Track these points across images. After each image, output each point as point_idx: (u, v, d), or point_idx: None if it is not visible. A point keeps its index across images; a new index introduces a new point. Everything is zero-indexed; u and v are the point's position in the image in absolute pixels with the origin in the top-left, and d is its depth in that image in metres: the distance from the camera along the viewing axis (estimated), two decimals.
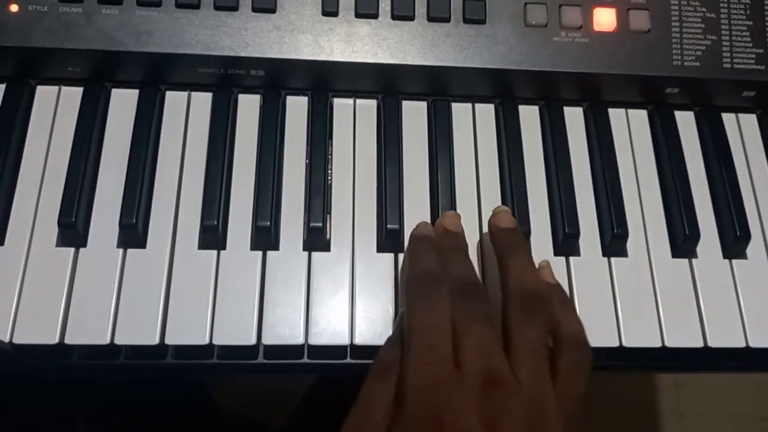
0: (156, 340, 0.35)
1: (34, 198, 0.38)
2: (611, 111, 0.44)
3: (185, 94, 0.42)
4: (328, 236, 0.39)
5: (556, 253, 0.40)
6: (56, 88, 0.41)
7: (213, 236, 0.38)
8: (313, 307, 0.37)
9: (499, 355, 0.30)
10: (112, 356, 0.37)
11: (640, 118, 0.45)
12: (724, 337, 0.39)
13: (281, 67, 0.40)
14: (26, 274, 0.37)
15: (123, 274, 0.37)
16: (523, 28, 0.41)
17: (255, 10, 0.40)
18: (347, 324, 0.37)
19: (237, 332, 0.36)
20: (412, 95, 0.43)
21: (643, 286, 0.40)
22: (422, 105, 0.43)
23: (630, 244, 0.41)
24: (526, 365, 0.30)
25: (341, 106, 0.43)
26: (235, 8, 0.40)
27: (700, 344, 0.39)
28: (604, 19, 0.42)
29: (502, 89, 0.43)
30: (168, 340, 0.36)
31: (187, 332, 0.36)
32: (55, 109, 0.41)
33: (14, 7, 0.38)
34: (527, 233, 0.40)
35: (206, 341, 0.36)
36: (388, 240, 0.39)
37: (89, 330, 0.35)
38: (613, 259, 0.40)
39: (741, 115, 0.45)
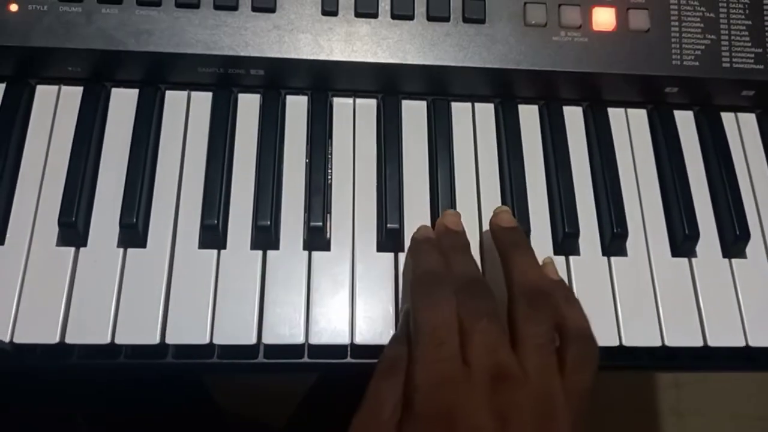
0: (156, 340, 0.35)
1: (35, 198, 0.38)
2: (611, 110, 0.44)
3: (185, 93, 0.42)
4: (328, 236, 0.39)
5: (556, 253, 0.40)
6: (56, 87, 0.41)
7: (213, 236, 0.38)
8: (313, 307, 0.37)
9: (507, 351, 0.31)
10: (112, 356, 0.37)
11: (639, 117, 0.45)
12: (724, 336, 0.39)
13: (281, 66, 0.40)
14: (26, 273, 0.37)
15: (123, 273, 0.37)
16: (523, 27, 0.41)
17: (255, 9, 0.40)
18: (347, 323, 0.37)
19: (237, 331, 0.36)
20: (412, 95, 0.43)
21: (642, 286, 0.40)
22: (422, 104, 0.44)
23: (630, 244, 0.41)
24: (534, 360, 0.30)
25: (341, 105, 0.43)
26: (234, 8, 0.40)
27: (699, 343, 0.39)
28: (604, 18, 0.42)
29: (502, 89, 0.43)
30: (168, 340, 0.36)
31: (187, 332, 0.36)
32: (55, 109, 0.41)
33: (14, 7, 0.39)
34: (527, 232, 0.40)
35: (206, 341, 0.36)
36: (388, 239, 0.39)
37: (89, 329, 0.35)
38: (612, 259, 0.40)
39: (740, 115, 0.45)
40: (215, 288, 0.37)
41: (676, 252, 0.41)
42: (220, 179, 0.39)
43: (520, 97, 0.44)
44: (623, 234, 0.40)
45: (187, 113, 0.42)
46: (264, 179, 0.39)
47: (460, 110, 0.44)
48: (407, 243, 0.39)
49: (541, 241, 0.40)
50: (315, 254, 0.38)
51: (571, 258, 0.40)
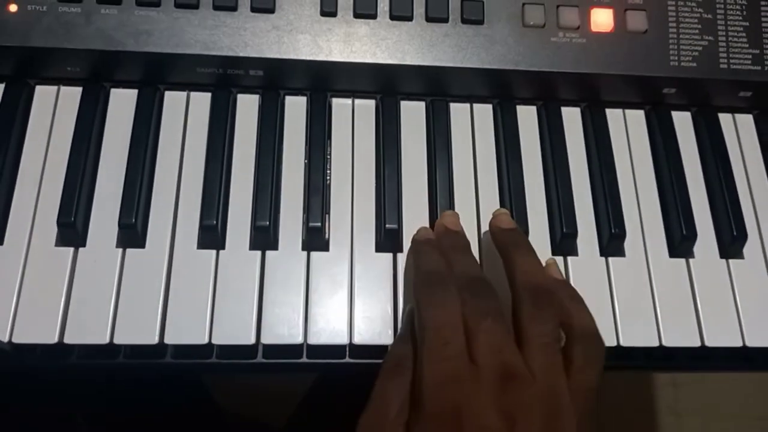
0: (155, 340, 0.36)
1: (34, 198, 0.38)
2: (609, 111, 0.45)
3: (184, 93, 0.42)
4: (327, 236, 0.39)
5: (554, 253, 0.40)
6: (55, 87, 0.41)
7: (212, 236, 0.38)
8: (312, 307, 0.37)
9: (513, 350, 0.31)
10: (111, 356, 0.37)
11: (637, 118, 0.45)
12: (721, 336, 0.39)
13: (280, 67, 0.40)
14: (25, 273, 0.37)
15: (122, 273, 0.37)
16: (521, 28, 0.41)
17: (254, 10, 0.40)
18: (346, 323, 0.37)
19: (236, 331, 0.36)
20: (411, 95, 0.43)
21: (640, 286, 0.40)
22: (421, 105, 0.44)
23: (627, 244, 0.41)
24: (539, 359, 0.30)
25: (340, 106, 0.43)
26: (233, 8, 0.40)
27: (697, 343, 0.39)
28: (602, 19, 0.42)
29: (500, 89, 0.43)
30: (167, 340, 0.36)
31: (186, 331, 0.36)
32: (54, 109, 0.41)
33: (13, 7, 0.39)
34: (525, 233, 0.40)
35: (205, 340, 0.36)
36: (386, 240, 0.39)
37: (89, 329, 0.36)
38: (610, 259, 0.40)
39: (738, 116, 0.46)
40: (214, 288, 0.37)
41: (673, 252, 0.41)
42: (219, 179, 0.39)
43: (519, 97, 0.44)
44: (621, 234, 0.40)
45: (186, 113, 0.42)
46: (263, 180, 0.40)
47: (458, 111, 0.44)
48: (406, 243, 0.39)
49: (540, 241, 0.40)
50: (314, 254, 0.39)
51: (569, 258, 0.40)
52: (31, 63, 0.40)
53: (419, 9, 0.41)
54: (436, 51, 0.41)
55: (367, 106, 0.43)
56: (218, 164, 0.40)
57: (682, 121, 0.45)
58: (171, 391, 0.60)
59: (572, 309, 0.33)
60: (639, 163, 0.43)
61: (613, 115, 0.45)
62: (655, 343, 0.38)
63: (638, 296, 0.39)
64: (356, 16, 0.40)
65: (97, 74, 0.41)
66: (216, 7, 0.40)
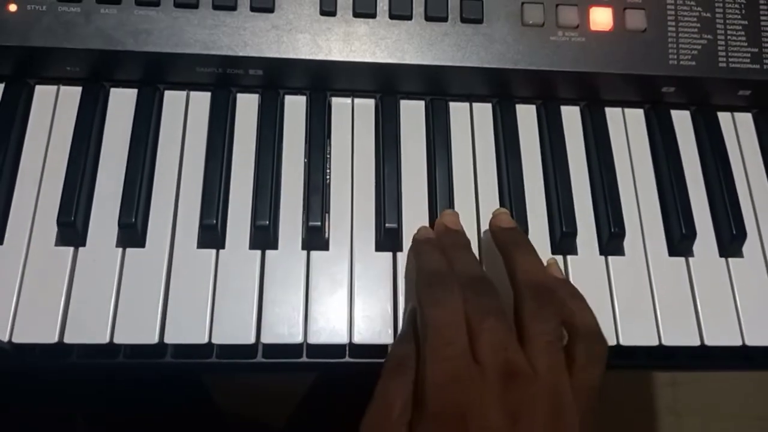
0: (155, 339, 0.36)
1: (33, 197, 0.38)
2: (608, 110, 0.45)
3: (184, 93, 0.42)
4: (326, 235, 0.39)
5: (554, 252, 0.40)
6: (55, 87, 0.41)
7: (212, 235, 0.38)
8: (311, 306, 0.37)
9: (515, 348, 0.30)
10: (111, 355, 0.37)
11: (636, 117, 0.45)
12: (721, 335, 0.39)
13: (279, 66, 0.40)
14: (25, 273, 0.37)
15: (122, 273, 0.37)
16: (521, 27, 0.41)
17: (253, 9, 0.40)
18: (346, 323, 0.37)
19: (236, 331, 0.36)
20: (410, 94, 0.44)
21: (640, 285, 0.40)
22: (420, 104, 0.44)
23: (627, 243, 0.41)
24: (542, 357, 0.30)
25: (339, 105, 0.43)
26: (233, 8, 0.40)
27: (696, 342, 0.39)
28: (601, 18, 0.42)
29: (500, 88, 0.43)
30: (167, 339, 0.36)
31: (186, 331, 0.36)
32: (53, 109, 0.41)
33: (13, 7, 0.39)
34: (525, 232, 0.40)
35: (205, 340, 0.36)
36: (386, 239, 0.39)
37: (88, 329, 0.36)
38: (610, 258, 0.40)
39: (737, 114, 0.46)
40: (214, 287, 0.37)
41: (673, 251, 0.41)
42: (219, 179, 0.39)
43: (518, 96, 0.44)
44: (620, 233, 0.40)
45: (185, 113, 0.42)
46: (263, 179, 0.40)
47: (458, 110, 0.44)
48: (406, 242, 0.39)
49: (539, 240, 0.40)
50: (313, 254, 0.39)
51: (569, 257, 0.40)
52: (30, 63, 0.40)
53: (418, 8, 0.41)
54: (436, 50, 0.41)
55: (366, 105, 0.43)
56: (218, 164, 0.40)
57: (682, 120, 0.45)
58: (171, 391, 0.60)
59: (574, 307, 0.33)
60: (638, 161, 0.44)
61: (612, 113, 0.45)
62: (655, 342, 0.38)
63: (638, 295, 0.40)
64: (356, 15, 0.40)
65: (96, 74, 0.41)
66: (215, 7, 0.40)
